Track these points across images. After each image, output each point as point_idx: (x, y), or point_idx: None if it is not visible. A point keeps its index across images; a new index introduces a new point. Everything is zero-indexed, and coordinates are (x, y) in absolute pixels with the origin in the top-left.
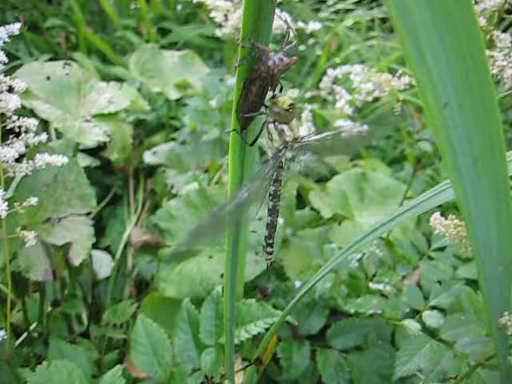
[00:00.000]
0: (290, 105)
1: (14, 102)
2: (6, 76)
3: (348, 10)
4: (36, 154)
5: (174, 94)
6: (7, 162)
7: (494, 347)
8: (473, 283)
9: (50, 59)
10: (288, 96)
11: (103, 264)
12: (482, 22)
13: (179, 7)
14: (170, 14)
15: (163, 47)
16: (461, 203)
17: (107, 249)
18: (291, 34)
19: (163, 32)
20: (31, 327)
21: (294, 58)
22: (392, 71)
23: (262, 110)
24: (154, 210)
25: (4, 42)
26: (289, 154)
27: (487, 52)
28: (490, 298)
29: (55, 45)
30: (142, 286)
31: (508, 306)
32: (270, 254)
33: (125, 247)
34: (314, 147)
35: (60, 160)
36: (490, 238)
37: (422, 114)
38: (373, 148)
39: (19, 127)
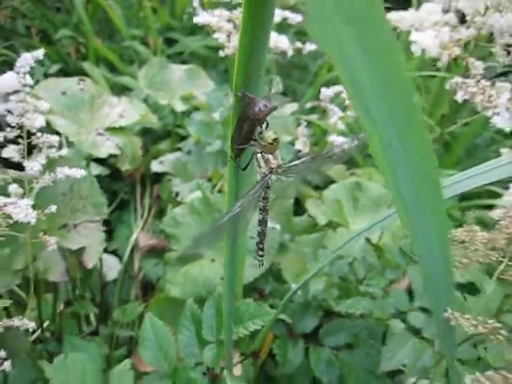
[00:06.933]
0: (274, 139)
1: (39, 121)
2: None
3: None
4: (56, 167)
5: (180, 106)
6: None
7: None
8: (463, 287)
9: (61, 70)
10: (272, 132)
11: (111, 267)
12: (457, 50)
13: (185, 17)
14: (177, 25)
15: (169, 57)
16: (407, 226)
17: (114, 252)
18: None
19: (169, 42)
20: (44, 325)
21: (275, 105)
22: None
23: (252, 142)
24: (160, 216)
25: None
26: (274, 177)
27: (460, 79)
28: (433, 292)
29: (65, 55)
30: (148, 288)
31: (450, 304)
32: (261, 256)
33: (131, 251)
34: (297, 169)
35: (79, 173)
36: (432, 248)
37: None
38: (369, 156)
39: (42, 143)
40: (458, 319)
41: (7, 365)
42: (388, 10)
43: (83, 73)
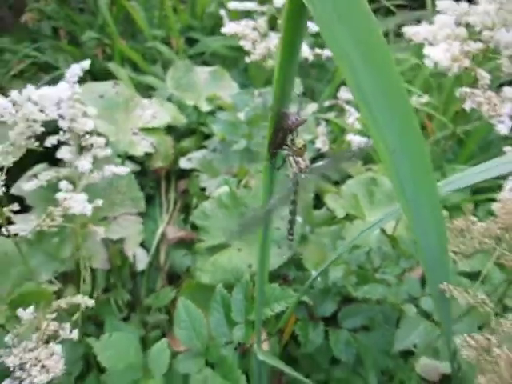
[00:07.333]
0: (303, 145)
1: (89, 124)
2: None
3: None
4: (103, 165)
5: (205, 107)
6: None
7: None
8: (473, 276)
9: (87, 71)
10: (301, 140)
11: (140, 259)
12: (467, 62)
13: (206, 17)
14: (197, 24)
15: (191, 57)
16: (407, 215)
17: (141, 245)
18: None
19: (191, 41)
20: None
21: (305, 118)
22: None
23: (285, 147)
24: (185, 210)
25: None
26: (302, 176)
27: (468, 89)
28: (431, 273)
29: (92, 56)
30: (174, 279)
31: (446, 277)
32: (291, 240)
33: (157, 244)
34: (321, 168)
35: (123, 170)
36: (429, 236)
37: (432, 122)
38: None
39: (91, 144)
40: (452, 291)
41: (75, 333)
42: (403, 7)
43: (109, 73)
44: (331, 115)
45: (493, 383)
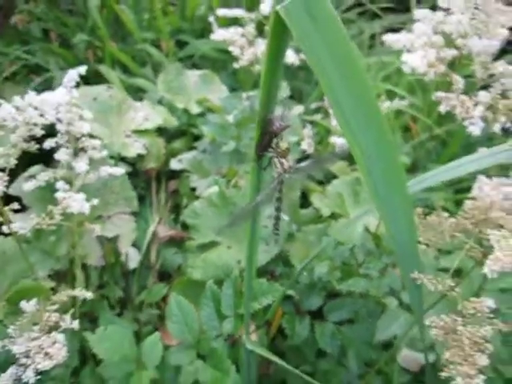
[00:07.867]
0: (287, 148)
1: (85, 127)
2: None
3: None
4: (99, 166)
5: (195, 109)
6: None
7: (410, 297)
8: (454, 272)
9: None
10: (285, 143)
11: (131, 257)
12: (442, 68)
13: (196, 19)
14: (187, 27)
15: (180, 59)
16: (382, 216)
17: (133, 244)
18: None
19: (180, 44)
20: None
21: (289, 123)
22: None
23: (270, 150)
24: (175, 210)
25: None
26: (286, 176)
27: (443, 93)
28: (403, 265)
29: (83, 58)
30: (165, 277)
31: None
32: (277, 234)
33: (148, 243)
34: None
35: (118, 171)
36: (401, 232)
37: (417, 123)
38: None
39: (87, 146)
40: (422, 279)
41: (75, 323)
42: (389, 10)
43: (100, 75)
44: (317, 117)
45: (456, 356)
